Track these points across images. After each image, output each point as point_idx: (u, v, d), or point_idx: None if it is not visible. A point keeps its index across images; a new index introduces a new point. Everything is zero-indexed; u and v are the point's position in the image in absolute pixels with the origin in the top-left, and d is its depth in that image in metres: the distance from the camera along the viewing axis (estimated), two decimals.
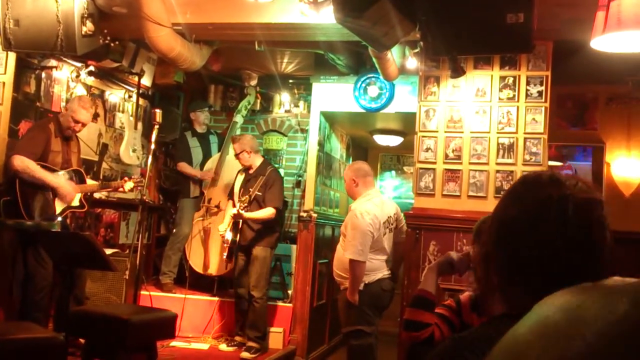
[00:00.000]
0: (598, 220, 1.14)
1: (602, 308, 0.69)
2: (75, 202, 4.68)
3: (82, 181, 4.77)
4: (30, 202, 4.37)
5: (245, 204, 5.25)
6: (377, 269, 4.30)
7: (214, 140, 6.67)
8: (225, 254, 5.50)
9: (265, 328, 5.48)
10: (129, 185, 5.05)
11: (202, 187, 6.36)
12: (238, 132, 6.70)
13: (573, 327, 0.70)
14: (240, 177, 5.63)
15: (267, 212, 5.30)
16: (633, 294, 0.68)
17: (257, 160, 5.54)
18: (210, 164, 6.40)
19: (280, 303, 5.89)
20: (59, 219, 4.50)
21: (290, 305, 5.78)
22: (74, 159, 4.77)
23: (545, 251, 1.11)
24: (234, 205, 5.45)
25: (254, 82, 6.77)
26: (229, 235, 5.40)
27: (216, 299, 5.89)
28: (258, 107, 7.10)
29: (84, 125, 4.77)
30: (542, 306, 0.83)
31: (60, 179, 4.54)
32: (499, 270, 1.19)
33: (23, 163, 4.33)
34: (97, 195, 5.40)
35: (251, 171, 5.52)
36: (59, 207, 4.56)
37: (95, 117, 5.74)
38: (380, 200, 4.45)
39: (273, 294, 6.02)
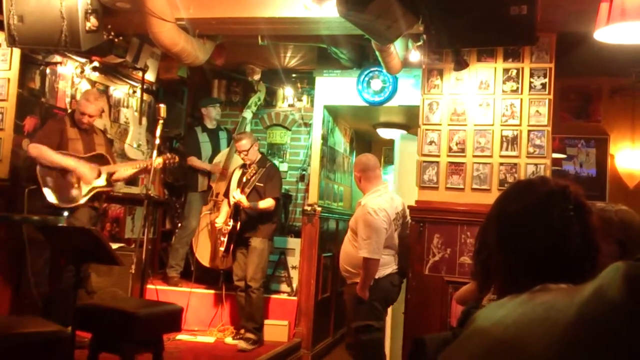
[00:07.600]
0: (591, 211, 1.16)
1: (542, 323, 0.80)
2: (102, 182, 4.76)
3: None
4: (52, 187, 4.50)
5: (246, 192, 5.31)
6: (387, 264, 4.30)
7: (223, 136, 6.67)
8: (223, 247, 5.50)
9: (262, 320, 5.50)
10: (158, 161, 4.92)
11: (210, 181, 6.38)
12: (247, 127, 6.71)
13: (517, 340, 0.83)
14: (238, 174, 5.63)
15: (268, 202, 5.37)
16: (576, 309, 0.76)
17: (256, 156, 5.57)
18: (219, 157, 6.41)
19: (285, 296, 5.91)
20: (83, 200, 4.62)
21: (295, 298, 5.80)
22: (103, 151, 4.90)
23: (550, 242, 1.11)
24: (228, 203, 5.49)
25: (257, 77, 6.78)
26: (229, 223, 5.44)
27: (222, 292, 5.92)
28: (262, 101, 7.12)
29: (90, 116, 4.80)
30: (483, 321, 0.91)
31: (76, 161, 4.63)
32: (502, 268, 1.19)
33: (37, 149, 4.50)
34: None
35: (250, 167, 5.52)
36: (85, 188, 4.67)
37: (100, 112, 5.75)
38: (389, 196, 4.45)
39: (278, 287, 6.05)
